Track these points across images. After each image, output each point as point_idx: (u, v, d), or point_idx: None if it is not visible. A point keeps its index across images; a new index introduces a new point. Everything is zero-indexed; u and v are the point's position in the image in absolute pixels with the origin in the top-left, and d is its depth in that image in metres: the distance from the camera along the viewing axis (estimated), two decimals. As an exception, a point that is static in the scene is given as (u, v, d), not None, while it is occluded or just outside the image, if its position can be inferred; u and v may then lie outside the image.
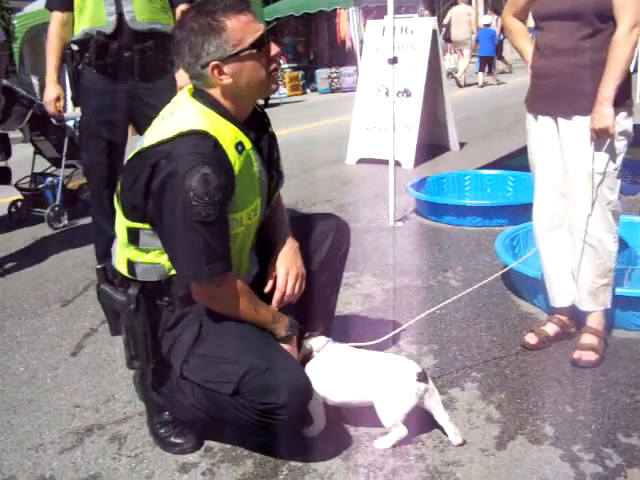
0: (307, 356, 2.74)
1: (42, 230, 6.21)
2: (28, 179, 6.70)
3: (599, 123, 2.95)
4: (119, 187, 2.50)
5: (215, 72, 2.38)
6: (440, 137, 8.98)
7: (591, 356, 3.16)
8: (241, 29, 2.36)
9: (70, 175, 6.55)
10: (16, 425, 2.97)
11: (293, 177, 7.95)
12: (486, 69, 18.68)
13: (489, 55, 18.59)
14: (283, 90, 19.58)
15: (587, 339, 3.23)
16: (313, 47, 25.23)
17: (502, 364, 3.26)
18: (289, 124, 12.21)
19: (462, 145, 9.16)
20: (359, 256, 4.95)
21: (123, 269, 2.55)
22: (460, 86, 18.62)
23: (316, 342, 2.77)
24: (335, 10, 21.08)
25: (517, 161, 7.75)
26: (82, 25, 4.07)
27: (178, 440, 2.70)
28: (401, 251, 5.13)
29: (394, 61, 5.55)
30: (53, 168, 6.64)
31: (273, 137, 2.73)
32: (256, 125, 2.59)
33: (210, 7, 2.36)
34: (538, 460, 2.52)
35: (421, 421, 2.77)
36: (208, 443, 2.74)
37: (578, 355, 3.18)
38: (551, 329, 3.40)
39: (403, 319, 3.77)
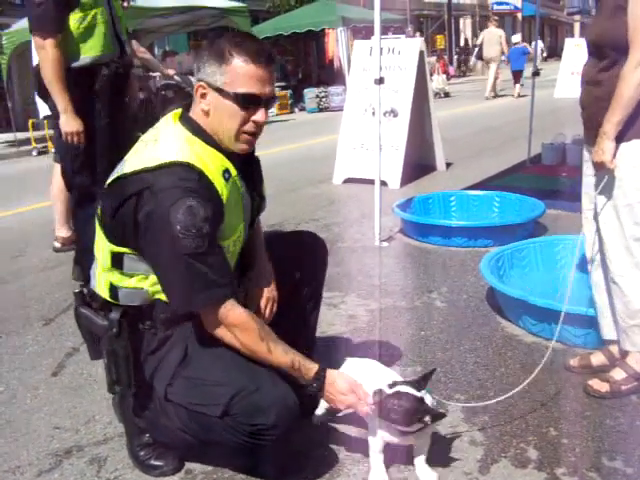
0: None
1: (26, 247, 6.17)
2: None
3: (595, 157, 2.93)
4: (99, 211, 2.48)
5: (199, 91, 2.38)
6: (427, 157, 9.00)
7: (602, 387, 3.11)
8: (241, 75, 2.33)
9: None
10: (-6, 446, 2.93)
11: (279, 196, 7.93)
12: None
13: (520, 69, 20.39)
14: (271, 109, 19.59)
15: (613, 372, 3.15)
16: (301, 66, 25.38)
17: (486, 386, 3.25)
18: (277, 143, 12.22)
19: (449, 165, 9.18)
20: (344, 276, 4.94)
21: (104, 293, 2.52)
22: (487, 99, 20.46)
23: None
24: (323, 30, 21.28)
25: (503, 181, 7.80)
26: (90, 52, 4.19)
27: (158, 462, 2.66)
28: (386, 271, 5.12)
29: (381, 81, 5.57)
30: None
31: (257, 162, 2.72)
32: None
33: (239, 39, 2.37)
34: (521, 484, 2.50)
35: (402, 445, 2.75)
36: (189, 465, 2.70)
37: (591, 382, 3.14)
38: (596, 359, 3.34)
39: (387, 340, 3.76)
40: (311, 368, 2.43)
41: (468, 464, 2.64)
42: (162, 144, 2.39)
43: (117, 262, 2.44)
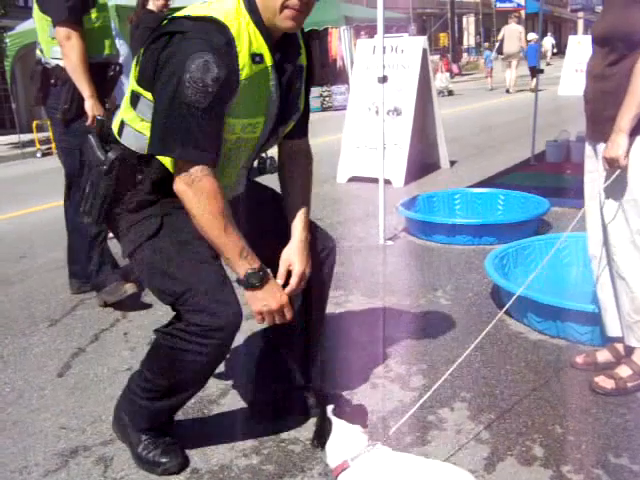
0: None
1: (31, 249, 6.18)
2: None
3: (609, 152, 2.90)
4: (142, 50, 2.49)
5: None
6: (430, 155, 9.01)
7: (608, 384, 3.10)
8: None
9: None
10: (1, 447, 2.94)
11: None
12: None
13: (535, 65, 20.43)
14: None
15: (619, 369, 3.15)
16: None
17: (492, 384, 3.24)
18: (280, 142, 12.21)
19: (453, 163, 9.18)
20: (349, 275, 4.94)
21: (115, 128, 2.58)
22: (507, 92, 21.42)
23: (351, 448, 2.28)
24: (326, 29, 21.21)
25: (507, 179, 7.79)
26: (104, 51, 4.43)
27: (163, 459, 2.67)
28: (391, 270, 5.12)
29: (384, 80, 5.57)
30: None
31: (302, 68, 2.66)
32: (290, 50, 2.55)
33: None
34: (527, 481, 2.50)
35: (408, 443, 2.76)
36: (195, 465, 2.71)
37: (597, 379, 3.14)
38: (602, 356, 3.34)
39: (392, 338, 3.76)
40: (257, 261, 2.43)
41: (474, 462, 2.64)
42: (215, 4, 2.40)
43: (134, 101, 2.48)
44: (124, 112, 2.56)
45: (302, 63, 2.64)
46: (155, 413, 2.69)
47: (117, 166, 2.52)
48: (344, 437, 2.29)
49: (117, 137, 2.57)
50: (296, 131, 2.81)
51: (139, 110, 2.47)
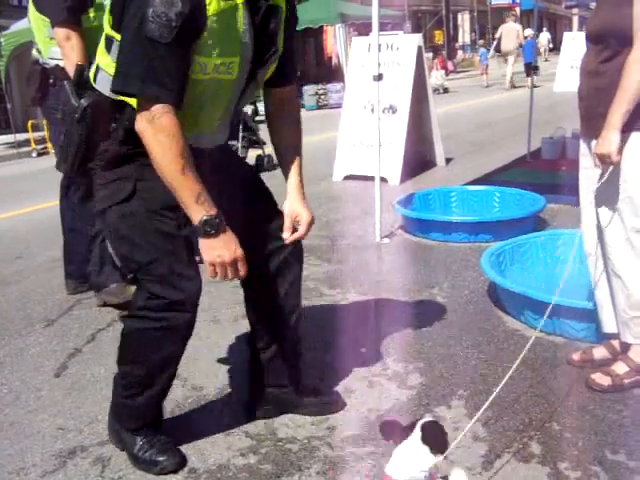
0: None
1: (27, 249, 6.18)
2: None
3: (600, 148, 2.90)
4: None
5: None
6: (426, 153, 9.01)
7: (604, 381, 3.11)
8: None
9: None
10: (-2, 448, 2.94)
11: (279, 194, 7.94)
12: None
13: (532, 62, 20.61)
14: (270, 107, 19.58)
15: (615, 365, 3.16)
16: (300, 64, 25.32)
17: (489, 381, 3.25)
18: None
19: (448, 160, 9.18)
20: (345, 273, 4.95)
21: (92, 73, 2.53)
22: (514, 87, 21.46)
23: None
24: (322, 27, 21.20)
25: (503, 176, 7.79)
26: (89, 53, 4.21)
27: (160, 458, 2.68)
28: (387, 268, 5.12)
29: (379, 78, 5.57)
30: None
31: (279, 9, 2.56)
32: None
33: None
34: (525, 478, 2.51)
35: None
36: (192, 465, 2.71)
37: (594, 376, 3.14)
38: (599, 353, 3.34)
39: (389, 336, 3.77)
40: (214, 208, 2.36)
41: (472, 459, 2.64)
42: None
43: (108, 46, 2.43)
44: (99, 57, 2.51)
45: (279, 4, 2.55)
46: (140, 410, 2.71)
47: (90, 113, 2.47)
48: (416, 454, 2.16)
49: (92, 83, 2.51)
50: (279, 78, 2.72)
51: (113, 54, 2.40)
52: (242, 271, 2.45)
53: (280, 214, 2.82)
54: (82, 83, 2.57)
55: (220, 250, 2.38)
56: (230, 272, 2.42)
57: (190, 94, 2.34)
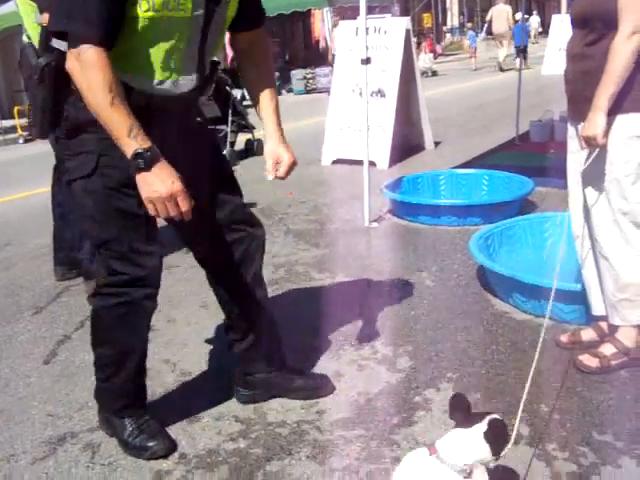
0: None
1: (15, 236, 6.15)
2: None
3: (586, 130, 2.89)
4: None
5: None
6: (415, 136, 9.00)
7: (592, 362, 3.13)
8: None
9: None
10: (-12, 435, 2.94)
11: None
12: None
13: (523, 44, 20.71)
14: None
15: (603, 347, 3.18)
16: (288, 48, 25.23)
17: (477, 364, 3.26)
18: (264, 125, 12.18)
19: (437, 144, 9.18)
20: (334, 257, 4.95)
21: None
22: (502, 70, 21.61)
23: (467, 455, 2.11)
24: (309, 10, 21.09)
25: (492, 160, 7.80)
26: None
27: (150, 443, 2.68)
28: (376, 252, 5.13)
29: (367, 61, 5.55)
30: None
31: None
32: None
33: None
34: (514, 460, 2.51)
35: (395, 424, 2.77)
36: (182, 450, 2.72)
37: (582, 357, 3.16)
38: (587, 334, 3.37)
39: (377, 320, 3.78)
40: (148, 142, 2.26)
41: (460, 442, 2.65)
42: None
43: None
44: None
45: None
46: (120, 391, 2.73)
47: (48, 72, 2.40)
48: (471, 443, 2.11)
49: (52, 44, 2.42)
50: (245, 21, 2.66)
51: None
52: (183, 206, 2.31)
53: (244, 208, 2.83)
54: (47, 45, 2.48)
55: (156, 185, 2.26)
56: (170, 208, 2.29)
57: (137, 32, 2.27)
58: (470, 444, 2.10)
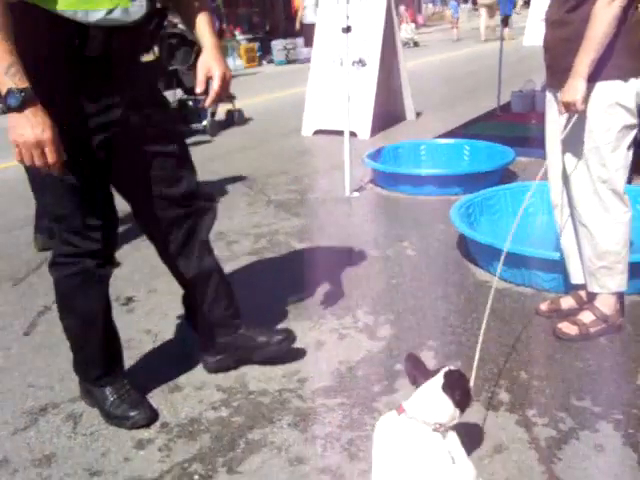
0: None
1: (-7, 208, 6.10)
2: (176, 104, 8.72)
3: (566, 96, 2.87)
4: None
5: None
6: (396, 107, 8.96)
7: (572, 330, 3.16)
8: None
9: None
10: (-32, 406, 2.92)
11: (249, 149, 7.92)
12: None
13: (507, 14, 20.29)
14: (239, 62, 19.38)
15: (581, 315, 3.20)
16: (268, 18, 25.00)
17: (458, 332, 3.28)
18: (245, 96, 12.08)
19: (418, 115, 9.16)
20: (315, 227, 4.95)
21: None
22: (484, 40, 21.37)
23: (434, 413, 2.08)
24: (289, -20, 20.87)
25: (473, 130, 7.80)
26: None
27: (131, 413, 2.69)
28: (357, 222, 5.12)
29: (348, 30, 5.50)
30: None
31: None
32: None
33: None
34: (494, 426, 2.55)
35: (377, 392, 2.79)
36: (164, 419, 2.72)
37: (561, 325, 3.19)
38: (566, 303, 3.39)
39: (359, 289, 3.79)
40: (25, 82, 2.12)
41: (441, 408, 2.67)
42: None
43: None
44: None
45: None
46: (93, 358, 2.75)
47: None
48: (436, 401, 2.10)
49: None
50: None
51: None
52: (50, 158, 2.18)
53: (194, 182, 2.76)
54: None
55: (23, 129, 2.13)
56: (36, 157, 2.17)
57: None
58: (432, 398, 2.10)
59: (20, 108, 2.12)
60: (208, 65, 2.58)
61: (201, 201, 2.78)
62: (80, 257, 2.55)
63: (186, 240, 2.78)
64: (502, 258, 2.94)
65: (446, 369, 2.17)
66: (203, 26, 2.64)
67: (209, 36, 2.63)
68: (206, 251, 2.87)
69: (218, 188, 6.11)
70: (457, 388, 2.14)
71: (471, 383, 2.34)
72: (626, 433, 2.47)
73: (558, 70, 2.98)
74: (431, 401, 2.09)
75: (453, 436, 2.08)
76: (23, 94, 2.11)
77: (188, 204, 2.72)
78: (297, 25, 19.39)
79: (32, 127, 2.14)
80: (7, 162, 7.76)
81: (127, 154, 2.52)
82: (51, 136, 2.16)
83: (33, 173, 2.44)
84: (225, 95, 2.66)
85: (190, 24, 2.67)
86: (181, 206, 2.70)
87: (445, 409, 2.09)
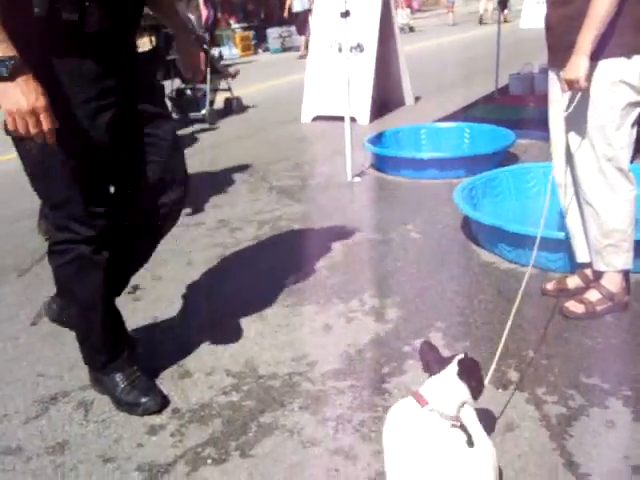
0: None
1: (-5, 200, 6.10)
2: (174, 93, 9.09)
3: (568, 73, 2.85)
4: None
5: None
6: (395, 92, 8.95)
7: (578, 308, 3.17)
8: None
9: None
10: (-22, 397, 2.93)
11: (248, 137, 7.91)
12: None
13: None
14: (235, 51, 19.34)
15: (588, 293, 3.21)
16: (263, 6, 24.89)
17: (465, 313, 3.29)
18: (242, 85, 12.06)
19: (417, 99, 9.15)
20: (318, 212, 4.95)
21: None
22: (481, 23, 22.12)
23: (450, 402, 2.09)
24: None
25: (472, 113, 7.80)
26: None
27: (142, 399, 2.69)
28: (360, 206, 5.13)
29: (346, 14, 5.49)
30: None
31: None
32: None
33: None
34: (504, 404, 2.56)
35: (386, 374, 2.80)
36: (175, 405, 2.73)
37: (568, 304, 3.20)
38: (572, 282, 3.39)
39: (364, 272, 3.79)
40: (13, 51, 2.10)
41: (451, 388, 2.68)
42: None
43: None
44: None
45: None
46: (98, 345, 2.75)
47: None
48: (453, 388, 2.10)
49: None
50: None
51: None
52: (45, 124, 2.17)
53: (173, 165, 2.73)
54: None
55: (17, 97, 2.12)
56: (31, 124, 2.15)
57: None
58: (449, 387, 2.10)
59: (11, 77, 2.10)
60: (190, 50, 2.76)
61: (178, 187, 2.75)
62: (76, 244, 2.54)
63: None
64: (536, 243, 2.94)
65: (459, 357, 2.18)
66: (171, 10, 2.72)
67: (179, 20, 2.76)
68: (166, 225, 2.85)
69: (219, 176, 6.11)
70: (473, 375, 2.15)
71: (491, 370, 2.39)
72: (635, 409, 2.48)
73: (561, 48, 2.96)
74: (450, 389, 2.09)
75: (471, 414, 2.09)
76: (12, 62, 2.09)
77: (166, 190, 2.70)
78: (285, 13, 19.32)
79: (25, 95, 2.12)
80: (10, 154, 7.76)
81: (119, 138, 2.51)
82: (45, 102, 2.16)
83: (34, 160, 2.44)
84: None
85: (160, 12, 2.74)
86: (160, 192, 2.69)
87: (464, 397, 2.09)
